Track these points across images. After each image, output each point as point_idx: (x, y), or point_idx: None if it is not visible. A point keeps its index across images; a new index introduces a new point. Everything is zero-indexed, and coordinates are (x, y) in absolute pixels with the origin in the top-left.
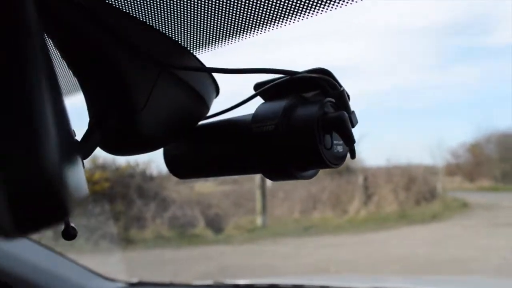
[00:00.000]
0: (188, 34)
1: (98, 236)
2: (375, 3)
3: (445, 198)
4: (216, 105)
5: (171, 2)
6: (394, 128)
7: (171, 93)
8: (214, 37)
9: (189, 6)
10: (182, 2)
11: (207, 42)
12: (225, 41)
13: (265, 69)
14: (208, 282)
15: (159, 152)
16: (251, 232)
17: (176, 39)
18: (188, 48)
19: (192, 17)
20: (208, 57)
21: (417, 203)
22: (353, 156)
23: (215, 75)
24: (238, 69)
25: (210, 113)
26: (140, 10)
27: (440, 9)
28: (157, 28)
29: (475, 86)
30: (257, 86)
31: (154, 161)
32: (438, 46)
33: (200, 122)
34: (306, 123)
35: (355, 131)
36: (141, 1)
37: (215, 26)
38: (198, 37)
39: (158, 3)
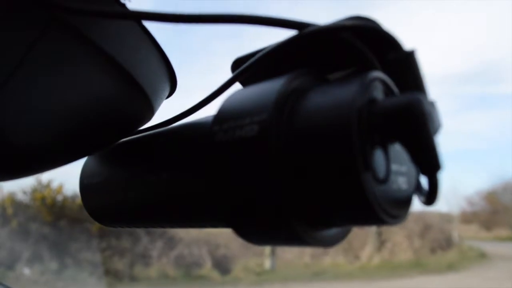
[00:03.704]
0: None
1: (102, 271)
2: None
3: (461, 247)
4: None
5: None
6: None
7: (67, 64)
8: None
9: None
10: None
11: None
12: None
13: (250, 17)
14: None
15: None
16: (259, 275)
17: None
18: None
19: None
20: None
21: (433, 252)
22: (432, 198)
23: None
24: (196, 16)
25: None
26: None
27: (453, 57)
28: None
29: (489, 133)
30: (237, 64)
31: None
32: (452, 93)
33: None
34: (333, 123)
35: None
36: None
37: None
38: None
39: None
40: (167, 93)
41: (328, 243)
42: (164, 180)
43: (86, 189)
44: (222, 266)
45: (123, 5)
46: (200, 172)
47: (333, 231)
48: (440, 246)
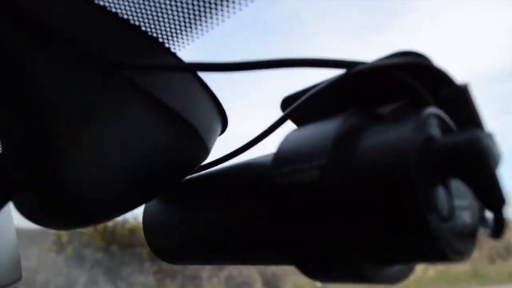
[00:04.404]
0: (154, 11)
1: None
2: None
3: None
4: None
5: None
6: None
7: (128, 117)
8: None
9: None
10: None
11: (188, 21)
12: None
13: (297, 60)
14: None
15: None
16: None
17: (134, 22)
18: (158, 39)
19: None
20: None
21: (491, 261)
22: (499, 232)
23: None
24: (245, 63)
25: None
26: None
27: (489, 56)
28: (98, 1)
29: None
30: (287, 103)
31: None
32: (492, 93)
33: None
34: (392, 164)
35: None
36: None
37: None
38: (170, 15)
39: None
40: (219, 132)
41: (393, 280)
42: (226, 219)
43: (149, 230)
44: (272, 284)
45: (178, 58)
46: (263, 213)
47: (398, 267)
48: (499, 254)
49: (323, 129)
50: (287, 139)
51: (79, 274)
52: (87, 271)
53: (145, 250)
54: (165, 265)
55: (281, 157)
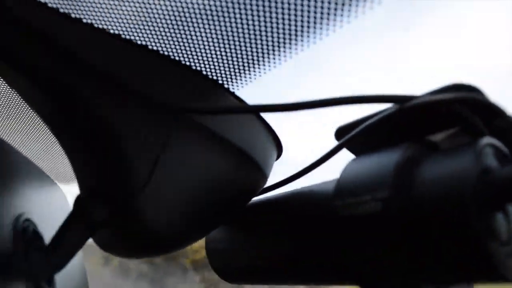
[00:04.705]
0: (215, 56)
1: None
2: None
3: None
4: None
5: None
6: None
7: (195, 156)
8: (256, 55)
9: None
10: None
11: (246, 64)
12: (273, 59)
13: (353, 98)
14: None
15: None
16: None
17: (195, 67)
18: (218, 81)
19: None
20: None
21: None
22: None
23: (270, 120)
24: (303, 103)
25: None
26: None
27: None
28: (163, 52)
29: None
30: (340, 133)
31: None
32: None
33: (254, 199)
34: (449, 196)
35: None
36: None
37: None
38: (231, 58)
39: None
40: (275, 159)
41: None
42: (289, 244)
43: (212, 252)
44: None
45: (240, 99)
46: (326, 239)
47: (457, 287)
48: None
49: (382, 162)
50: (347, 170)
51: (126, 285)
52: (133, 282)
53: (188, 260)
54: (207, 275)
55: (343, 188)
